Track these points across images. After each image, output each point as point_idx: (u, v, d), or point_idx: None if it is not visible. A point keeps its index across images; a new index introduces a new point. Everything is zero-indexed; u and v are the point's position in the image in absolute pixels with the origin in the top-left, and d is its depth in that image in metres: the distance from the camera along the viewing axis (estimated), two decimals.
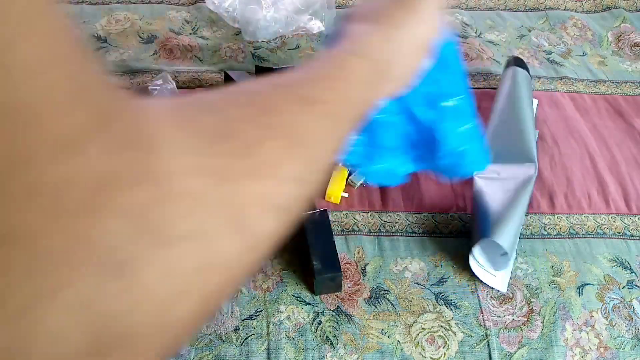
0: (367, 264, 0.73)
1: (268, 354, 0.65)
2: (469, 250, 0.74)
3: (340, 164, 0.79)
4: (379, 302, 0.69)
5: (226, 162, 0.22)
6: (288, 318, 0.67)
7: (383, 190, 0.80)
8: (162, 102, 0.26)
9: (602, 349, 0.67)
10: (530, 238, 0.77)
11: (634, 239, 0.78)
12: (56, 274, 0.15)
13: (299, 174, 0.25)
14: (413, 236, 0.76)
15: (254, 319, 0.67)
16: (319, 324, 0.67)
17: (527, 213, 0.77)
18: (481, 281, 0.71)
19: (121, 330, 0.16)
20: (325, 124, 0.28)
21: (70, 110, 0.15)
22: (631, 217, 0.80)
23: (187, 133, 0.21)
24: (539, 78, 1.00)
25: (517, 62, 0.93)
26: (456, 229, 0.77)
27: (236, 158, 0.22)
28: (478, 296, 0.70)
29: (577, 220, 0.80)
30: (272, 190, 0.23)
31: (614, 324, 0.69)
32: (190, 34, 1.03)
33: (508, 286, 0.71)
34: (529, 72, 0.92)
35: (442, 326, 0.68)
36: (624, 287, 0.73)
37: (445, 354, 0.66)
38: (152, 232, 0.17)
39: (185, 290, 0.18)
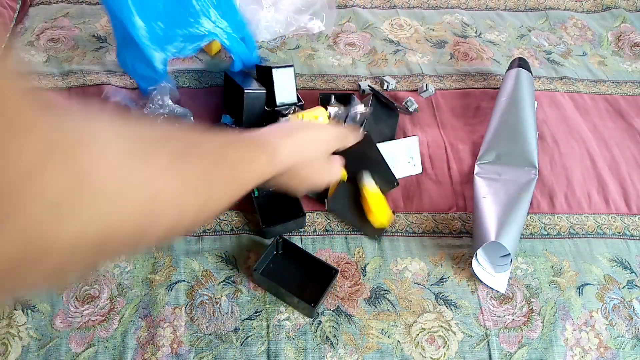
0: (367, 264, 0.73)
1: (268, 354, 0.64)
2: (469, 250, 0.74)
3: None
4: (379, 302, 0.69)
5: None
6: (288, 318, 0.67)
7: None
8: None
9: (602, 349, 0.67)
10: (530, 238, 0.77)
11: (634, 239, 0.78)
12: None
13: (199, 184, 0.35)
14: (413, 236, 0.76)
15: (254, 319, 0.67)
16: (319, 324, 0.67)
17: (527, 214, 0.77)
18: (481, 281, 0.71)
19: (45, 246, 0.22)
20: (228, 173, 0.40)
21: None
22: (631, 217, 0.80)
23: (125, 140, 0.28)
24: (539, 78, 1.00)
25: (521, 63, 0.93)
26: (456, 229, 0.77)
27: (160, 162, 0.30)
28: (478, 296, 0.70)
29: (577, 220, 0.80)
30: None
31: (614, 324, 0.69)
32: None
33: (508, 286, 0.71)
34: (532, 74, 0.92)
35: (442, 326, 0.68)
36: (624, 287, 0.73)
37: (445, 354, 0.66)
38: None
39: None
